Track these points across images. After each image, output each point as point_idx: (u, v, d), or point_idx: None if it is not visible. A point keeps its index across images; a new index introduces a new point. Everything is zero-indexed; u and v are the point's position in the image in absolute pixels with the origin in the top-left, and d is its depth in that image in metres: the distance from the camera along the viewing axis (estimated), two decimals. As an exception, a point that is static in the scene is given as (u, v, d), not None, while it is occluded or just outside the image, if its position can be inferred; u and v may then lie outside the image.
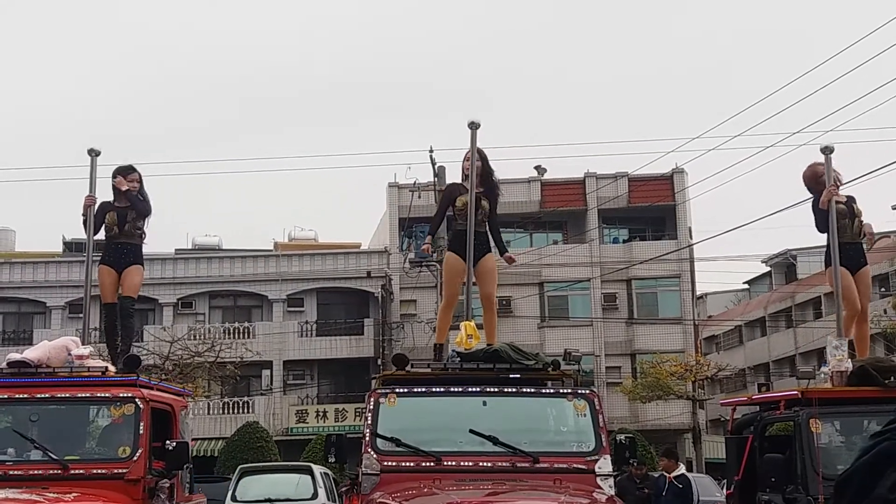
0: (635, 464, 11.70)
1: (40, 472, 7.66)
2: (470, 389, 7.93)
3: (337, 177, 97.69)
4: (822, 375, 8.83)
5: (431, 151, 31.05)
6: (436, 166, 31.18)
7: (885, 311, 32.42)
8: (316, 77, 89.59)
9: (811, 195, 9.80)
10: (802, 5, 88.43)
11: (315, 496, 17.45)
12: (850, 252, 9.47)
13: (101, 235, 9.76)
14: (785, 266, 49.82)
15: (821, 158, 9.57)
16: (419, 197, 33.45)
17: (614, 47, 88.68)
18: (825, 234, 9.59)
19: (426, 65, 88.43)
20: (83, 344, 8.94)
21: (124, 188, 9.60)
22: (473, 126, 9.13)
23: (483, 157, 9.25)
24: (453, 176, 9.70)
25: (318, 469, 18.66)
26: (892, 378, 8.54)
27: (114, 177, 9.69)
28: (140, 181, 9.73)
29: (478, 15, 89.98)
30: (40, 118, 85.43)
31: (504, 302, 35.12)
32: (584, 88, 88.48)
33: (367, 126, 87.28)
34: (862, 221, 9.68)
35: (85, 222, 9.59)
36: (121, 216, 9.58)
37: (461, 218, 9.14)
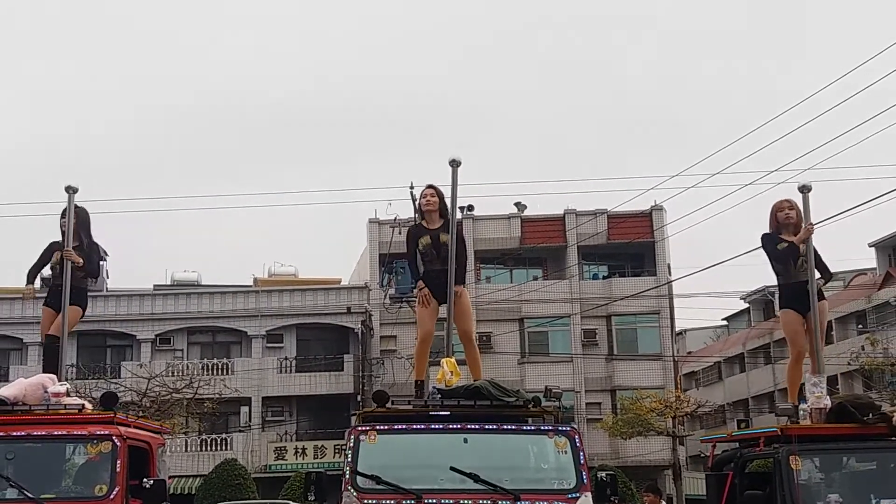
0: (616, 501, 11.66)
1: (16, 510, 7.56)
2: (451, 426, 7.92)
3: (317, 213, 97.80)
4: (802, 412, 8.85)
5: (412, 188, 31.27)
6: (416, 202, 31.23)
7: (862, 348, 32.57)
8: (297, 115, 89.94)
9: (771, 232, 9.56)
10: (782, 44, 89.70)
11: (293, 534, 17.30)
12: (803, 291, 9.24)
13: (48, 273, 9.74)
14: (763, 302, 50.05)
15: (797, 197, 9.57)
16: (399, 233, 33.50)
17: (595, 87, 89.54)
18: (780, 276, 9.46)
19: (407, 102, 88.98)
20: (59, 381, 8.87)
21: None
22: (454, 164, 9.15)
23: (440, 195, 9.27)
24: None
25: (296, 507, 18.52)
26: (871, 415, 8.58)
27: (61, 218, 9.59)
28: (76, 219, 9.48)
29: (460, 54, 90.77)
30: (16, 154, 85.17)
31: (484, 338, 35.10)
32: (564, 127, 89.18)
33: (348, 162, 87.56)
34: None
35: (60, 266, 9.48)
36: (62, 258, 9.51)
37: (426, 258, 9.15)
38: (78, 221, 9.57)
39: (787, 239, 9.32)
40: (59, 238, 9.66)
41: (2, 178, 75.21)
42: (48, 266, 9.78)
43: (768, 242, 9.48)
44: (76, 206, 9.59)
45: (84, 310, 9.81)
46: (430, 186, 9.35)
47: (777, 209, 9.50)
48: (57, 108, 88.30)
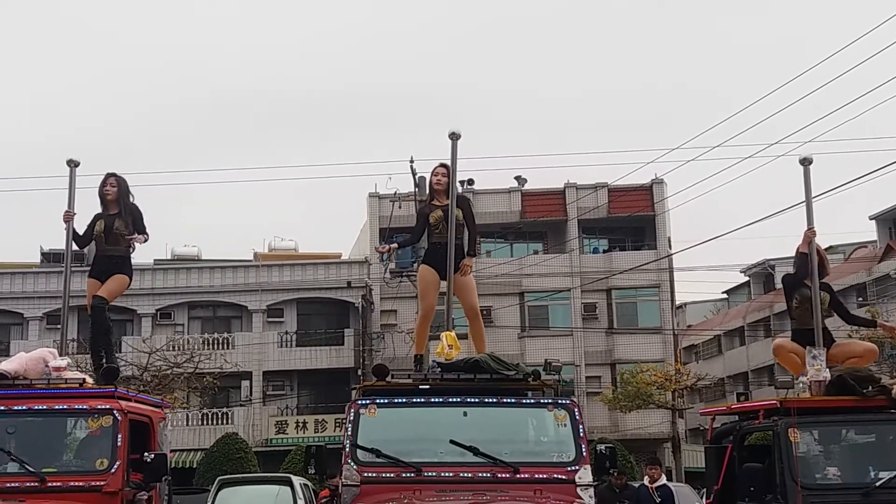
0: (615, 473, 11.72)
1: (17, 484, 7.60)
2: (450, 400, 7.93)
3: (317, 187, 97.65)
4: (801, 385, 8.87)
5: (412, 162, 31.18)
6: (416, 176, 31.25)
7: (863, 321, 32.58)
8: (298, 89, 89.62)
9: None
10: (781, 18, 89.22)
11: (295, 508, 17.37)
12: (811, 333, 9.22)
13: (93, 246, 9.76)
14: (763, 276, 50.09)
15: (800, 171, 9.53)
16: (400, 207, 33.50)
17: (595, 59, 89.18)
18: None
19: (408, 76, 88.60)
20: (60, 355, 8.89)
21: (109, 197, 9.58)
22: (454, 136, 9.13)
23: (449, 169, 9.25)
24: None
25: (297, 480, 18.60)
26: (870, 387, 8.60)
27: (102, 186, 9.67)
28: (118, 186, 9.63)
29: (460, 28, 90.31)
30: (18, 127, 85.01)
31: (484, 312, 35.00)
32: (565, 100, 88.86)
33: (349, 136, 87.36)
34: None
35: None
36: (107, 226, 9.53)
37: (435, 232, 9.15)
38: (119, 189, 9.64)
39: (801, 252, 9.30)
40: (99, 210, 9.69)
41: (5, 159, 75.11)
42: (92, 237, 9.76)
43: (790, 284, 9.48)
44: (117, 176, 9.73)
45: (130, 279, 9.89)
46: (442, 165, 9.30)
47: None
48: (57, 82, 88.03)
